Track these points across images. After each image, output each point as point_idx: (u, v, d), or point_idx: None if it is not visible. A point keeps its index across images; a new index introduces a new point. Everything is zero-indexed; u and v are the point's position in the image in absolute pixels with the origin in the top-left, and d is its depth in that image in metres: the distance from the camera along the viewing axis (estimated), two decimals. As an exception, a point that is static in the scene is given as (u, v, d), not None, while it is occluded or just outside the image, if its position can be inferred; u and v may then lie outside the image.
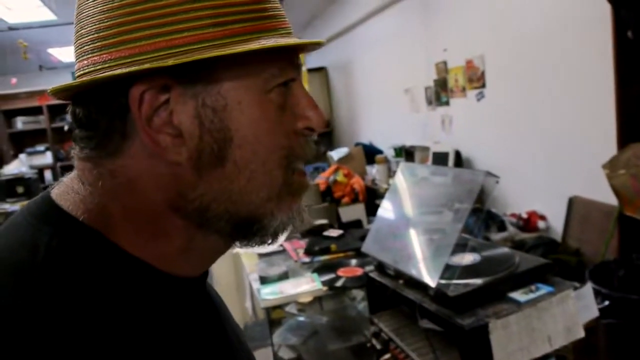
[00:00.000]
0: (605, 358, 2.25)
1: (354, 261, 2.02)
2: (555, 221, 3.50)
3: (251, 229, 0.49)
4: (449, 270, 1.34)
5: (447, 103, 4.70)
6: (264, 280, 1.96)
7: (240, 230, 0.49)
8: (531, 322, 1.23)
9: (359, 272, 1.87)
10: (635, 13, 2.39)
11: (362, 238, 2.52)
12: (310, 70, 7.34)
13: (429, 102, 5.02)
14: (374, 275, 1.60)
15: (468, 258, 1.47)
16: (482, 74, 4.11)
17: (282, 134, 0.48)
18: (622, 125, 2.67)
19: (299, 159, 0.50)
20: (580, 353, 1.34)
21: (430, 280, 1.31)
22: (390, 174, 5.29)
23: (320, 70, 8.30)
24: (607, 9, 2.59)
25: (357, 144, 6.53)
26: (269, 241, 0.52)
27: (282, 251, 2.53)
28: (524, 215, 3.67)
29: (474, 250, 1.52)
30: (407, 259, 1.48)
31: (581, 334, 1.29)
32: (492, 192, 1.33)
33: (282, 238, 0.57)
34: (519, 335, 1.21)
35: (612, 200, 2.75)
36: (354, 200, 4.63)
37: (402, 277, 1.47)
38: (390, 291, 1.49)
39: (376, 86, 6.40)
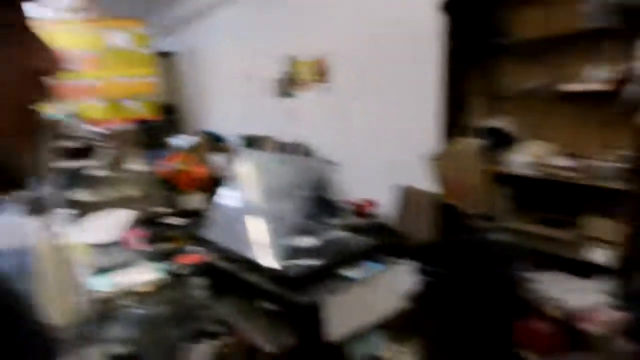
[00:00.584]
0: (422, 324, 2.53)
1: (195, 248, 1.99)
2: (388, 208, 3.82)
3: None
4: (289, 253, 1.40)
5: (294, 95, 4.83)
6: (98, 272, 1.84)
7: None
8: (363, 296, 1.35)
9: (199, 258, 1.85)
10: (462, 22, 2.69)
11: (205, 225, 2.50)
12: (159, 55, 6.97)
13: (277, 94, 5.11)
14: (215, 261, 1.60)
15: (307, 241, 1.55)
16: (328, 69, 4.31)
17: (8, 72, 0.48)
18: (445, 122, 3.00)
19: (29, 99, 0.50)
20: (402, 321, 1.49)
21: (272, 262, 1.36)
22: (236, 162, 5.28)
23: (168, 55, 7.94)
24: (437, 17, 2.89)
25: (203, 132, 6.39)
26: (7, 187, 0.51)
27: (120, 240, 2.39)
28: (358, 202, 3.95)
29: (313, 233, 1.61)
30: (248, 244, 1.51)
31: (405, 304, 1.44)
32: (332, 179, 1.41)
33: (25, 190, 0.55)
34: (352, 309, 1.32)
35: (435, 188, 3.09)
36: (198, 188, 4.54)
37: (243, 261, 1.49)
38: (232, 276, 1.50)
39: (225, 75, 6.33)
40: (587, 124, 2.56)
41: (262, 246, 1.44)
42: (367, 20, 3.86)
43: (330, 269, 1.38)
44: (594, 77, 2.41)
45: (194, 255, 1.87)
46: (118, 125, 5.88)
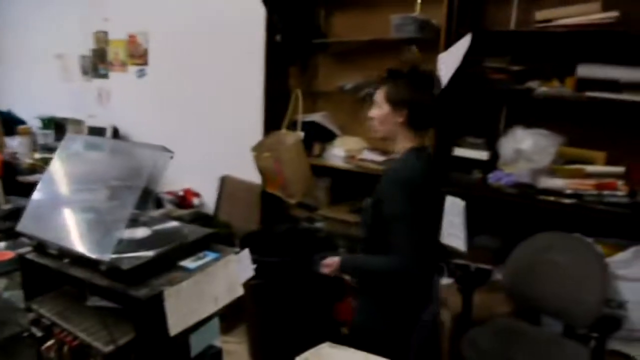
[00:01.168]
0: (253, 311, 2.62)
1: (1, 244, 1.76)
2: (208, 198, 3.82)
3: None
4: (121, 245, 1.33)
5: (105, 76, 4.49)
6: None
7: None
8: (201, 286, 1.35)
9: (9, 255, 1.64)
10: (284, 20, 2.80)
11: (9, 217, 2.20)
12: None
13: (85, 73, 4.68)
14: (31, 256, 1.44)
15: (139, 232, 1.49)
16: (145, 51, 4.09)
17: None
18: (267, 114, 3.11)
19: None
20: (234, 309, 1.53)
21: (102, 255, 1.28)
22: (36, 147, 4.71)
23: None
24: (262, 12, 2.96)
25: (-7, 111, 5.54)
26: None
27: None
28: (180, 193, 3.87)
29: (144, 224, 1.55)
30: (73, 236, 1.39)
31: (241, 291, 1.48)
32: (166, 168, 1.38)
33: None
34: (190, 299, 1.31)
35: (255, 179, 3.18)
36: (-12, 176, 3.95)
37: (68, 256, 1.37)
38: (53, 272, 1.37)
39: (22, 47, 5.53)
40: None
41: (90, 238, 1.35)
42: (191, 4, 3.77)
43: (165, 259, 1.35)
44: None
45: (3, 252, 1.65)
46: None
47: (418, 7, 2.68)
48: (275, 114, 3.10)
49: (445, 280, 2.54)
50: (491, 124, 2.58)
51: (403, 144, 1.80)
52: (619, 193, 2.14)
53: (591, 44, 2.20)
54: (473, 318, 2.24)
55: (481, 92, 2.51)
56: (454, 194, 2.46)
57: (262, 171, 2.99)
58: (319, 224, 2.93)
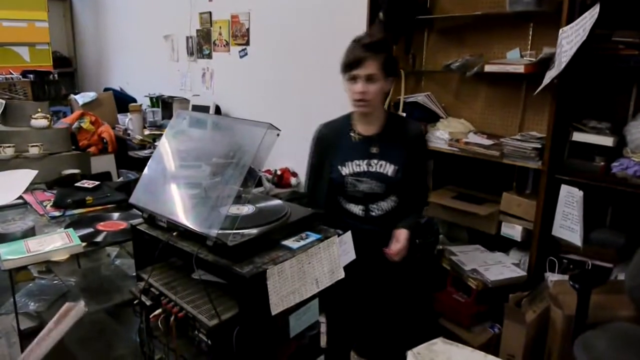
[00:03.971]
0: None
1: (115, 214, 1.85)
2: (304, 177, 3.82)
3: None
4: (226, 221, 1.33)
5: (209, 56, 4.63)
6: (3, 239, 1.64)
7: None
8: (302, 266, 1.32)
9: (123, 225, 1.72)
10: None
11: (121, 189, 2.33)
12: (50, -2, 6.32)
13: (190, 53, 4.86)
14: (143, 227, 1.49)
15: (243, 209, 1.49)
16: (247, 31, 4.15)
17: None
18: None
19: None
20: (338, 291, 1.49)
21: (209, 230, 1.28)
22: (146, 124, 4.99)
23: None
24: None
25: (107, 89, 5.96)
26: None
27: (23, 204, 2.15)
28: (278, 172, 3.91)
29: (248, 202, 1.54)
30: (183, 210, 1.42)
31: (342, 274, 1.44)
32: (272, 146, 1.36)
33: None
34: (292, 279, 1.29)
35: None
36: (102, 150, 4.25)
37: (177, 229, 1.40)
38: (164, 245, 1.41)
39: (132, 28, 5.88)
40: (505, 104, 2.70)
41: (198, 214, 1.36)
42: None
43: (269, 238, 1.33)
44: (515, 59, 2.53)
45: (115, 222, 1.74)
46: (5, 74, 5.30)
47: (537, -23, 2.45)
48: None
49: (557, 277, 2.35)
50: (619, 106, 2.31)
51: (381, 109, 1.93)
52: None
53: None
54: (588, 320, 2.04)
55: (608, 70, 2.25)
56: (571, 183, 2.26)
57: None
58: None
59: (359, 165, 1.90)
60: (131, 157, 4.38)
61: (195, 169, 1.59)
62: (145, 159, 3.83)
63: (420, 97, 2.88)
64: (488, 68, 2.47)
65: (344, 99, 3.35)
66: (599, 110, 2.35)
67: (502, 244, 2.61)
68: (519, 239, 2.48)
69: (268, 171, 3.91)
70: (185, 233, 1.37)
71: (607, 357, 1.79)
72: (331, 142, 1.96)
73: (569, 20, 2.17)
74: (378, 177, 1.89)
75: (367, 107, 1.84)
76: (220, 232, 1.28)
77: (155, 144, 4.26)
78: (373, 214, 1.94)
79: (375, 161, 1.89)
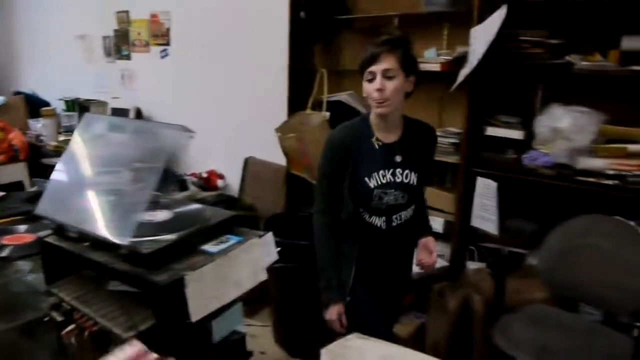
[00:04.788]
0: (275, 295, 2.57)
1: (22, 227, 1.73)
2: (233, 180, 3.77)
3: None
4: (141, 228, 1.28)
5: (128, 57, 4.45)
6: None
7: None
8: (223, 270, 1.29)
9: (30, 238, 1.61)
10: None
11: (29, 200, 2.18)
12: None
13: (108, 54, 4.65)
14: (51, 240, 1.41)
15: (160, 215, 1.44)
16: (167, 30, 4.03)
17: None
18: (292, 94, 3.03)
19: None
20: (258, 292, 1.47)
21: (122, 239, 1.23)
22: (61, 129, 4.73)
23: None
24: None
25: (17, 93, 5.58)
26: None
27: None
28: (204, 175, 3.83)
29: (165, 207, 1.50)
30: (93, 220, 1.35)
31: (264, 276, 1.42)
32: (186, 148, 1.32)
33: None
34: (212, 285, 1.26)
35: (281, 160, 3.12)
36: (13, 158, 3.99)
37: (88, 239, 1.33)
38: (73, 256, 1.33)
39: (44, 28, 5.52)
40: (423, 101, 2.78)
41: (110, 221, 1.30)
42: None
43: (186, 243, 1.30)
44: (433, 58, 2.61)
45: (21, 235, 1.62)
46: None
47: (449, -21, 2.54)
48: (300, 94, 3.02)
49: (476, 265, 2.46)
50: (527, 101, 2.44)
51: (399, 112, 1.77)
52: (665, 174, 2.01)
53: (636, 14, 2.05)
54: (506, 304, 2.15)
55: (516, 68, 2.37)
56: (487, 175, 2.37)
57: (286, 152, 2.92)
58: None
59: (384, 177, 1.74)
60: (45, 164, 4.13)
61: (108, 175, 1.52)
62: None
63: (344, 96, 2.92)
64: (406, 66, 2.53)
65: (269, 99, 3.35)
66: (509, 105, 2.48)
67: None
68: (440, 231, 2.56)
69: (194, 174, 3.82)
70: (97, 243, 1.31)
71: (524, 338, 1.89)
72: (351, 148, 1.75)
73: (480, 20, 2.27)
74: (403, 188, 1.76)
75: (386, 107, 1.66)
76: (134, 240, 1.23)
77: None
78: (394, 224, 1.81)
79: (400, 171, 1.75)
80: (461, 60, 2.42)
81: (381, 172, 1.73)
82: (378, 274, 1.83)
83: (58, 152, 4.23)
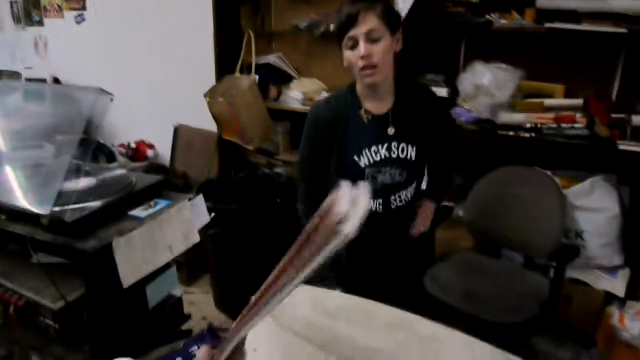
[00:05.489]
0: (213, 260, 2.56)
1: None
2: (163, 149, 3.66)
3: None
4: (63, 197, 1.23)
5: (40, 23, 4.15)
6: None
7: None
8: (153, 234, 1.27)
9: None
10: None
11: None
12: None
13: (17, 20, 4.32)
14: (-36, 214, 1.32)
15: (83, 182, 1.39)
16: (83, -7, 3.79)
17: None
18: (219, 58, 2.95)
19: None
20: (197, 259, 1.47)
21: (42, 209, 1.18)
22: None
23: None
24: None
25: None
26: None
27: None
28: (133, 145, 3.70)
29: (88, 174, 1.44)
30: (10, 191, 1.28)
31: (197, 238, 1.41)
32: (107, 113, 1.26)
33: None
34: (142, 249, 1.24)
35: (212, 127, 3.05)
36: None
37: (5, 212, 1.27)
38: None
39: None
40: (351, 62, 2.80)
41: (28, 192, 1.24)
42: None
43: (113, 209, 1.26)
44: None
45: None
46: None
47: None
48: (227, 58, 2.94)
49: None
50: (451, 59, 2.52)
51: (390, 78, 1.53)
52: (578, 125, 2.14)
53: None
54: (436, 254, 2.25)
55: (440, 26, 2.43)
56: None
57: (217, 117, 2.87)
58: (279, 169, 2.86)
59: (377, 153, 1.53)
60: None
61: (28, 149, 1.44)
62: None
63: (272, 58, 2.88)
64: (333, 27, 2.53)
65: (196, 64, 3.25)
66: (434, 64, 2.54)
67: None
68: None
69: (122, 145, 3.68)
70: (17, 214, 1.25)
71: (452, 284, 2.00)
72: (336, 124, 1.53)
73: (403, -21, 2.28)
74: (400, 164, 1.55)
75: (376, 75, 1.43)
76: (57, 209, 1.18)
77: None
78: (392, 206, 1.60)
79: (396, 144, 1.54)
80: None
81: (373, 148, 1.53)
82: (376, 273, 1.64)
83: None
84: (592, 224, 2.06)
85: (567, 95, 2.28)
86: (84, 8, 3.82)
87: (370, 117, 1.53)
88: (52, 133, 1.42)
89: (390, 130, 1.53)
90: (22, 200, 1.22)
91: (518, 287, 1.97)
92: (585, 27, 2.06)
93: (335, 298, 0.74)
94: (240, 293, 2.48)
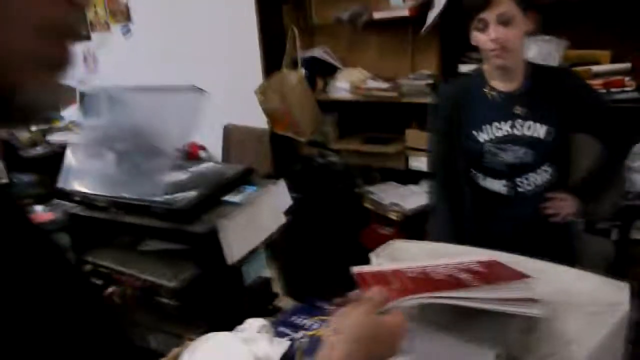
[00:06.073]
0: (281, 248, 2.69)
1: (38, 207, 1.78)
2: (215, 150, 3.81)
3: None
4: (168, 188, 1.37)
5: (88, 37, 4.36)
6: None
7: None
8: (249, 216, 1.40)
9: (50, 215, 1.67)
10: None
11: (30, 186, 2.22)
12: None
13: (67, 38, 4.55)
14: (78, 211, 1.47)
15: (179, 175, 1.52)
16: (126, 6, 3.97)
17: None
18: (266, 56, 3.08)
19: (57, 27, 0.43)
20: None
21: (155, 198, 1.31)
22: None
23: None
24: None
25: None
26: (19, 121, 0.46)
27: None
28: (185, 148, 3.86)
29: (181, 168, 1.58)
30: (120, 185, 1.42)
31: (284, 219, 1.53)
32: (201, 109, 1.39)
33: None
34: (242, 229, 1.36)
35: (260, 123, 3.19)
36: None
37: (118, 206, 1.41)
38: (103, 225, 1.41)
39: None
40: (396, 48, 2.88)
41: (137, 187, 1.38)
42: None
43: (211, 196, 1.39)
44: (399, 4, 2.70)
45: (42, 214, 1.68)
46: None
47: None
48: (274, 55, 3.06)
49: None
50: (494, 36, 2.57)
51: (521, 57, 1.50)
52: (628, 89, 2.18)
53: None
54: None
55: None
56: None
57: (268, 113, 3.00)
58: (333, 159, 2.97)
59: (499, 129, 1.50)
60: (23, 157, 4.08)
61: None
62: (41, 158, 3.61)
63: (317, 52, 2.99)
64: (377, 15, 2.63)
65: (241, 63, 3.38)
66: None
67: (413, 177, 2.83)
68: (426, 170, 2.71)
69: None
70: (129, 207, 1.39)
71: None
72: (460, 102, 1.54)
73: (442, -37, 2.35)
74: (526, 142, 1.49)
75: (506, 58, 1.42)
76: (164, 198, 1.32)
77: (47, 139, 3.99)
78: (522, 190, 1.52)
79: (521, 122, 1.49)
80: (428, 4, 2.52)
81: (495, 124, 1.49)
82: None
83: (33, 143, 4.18)
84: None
85: (614, 60, 2.31)
86: (129, 20, 4.00)
87: (496, 94, 1.52)
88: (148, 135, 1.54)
89: (517, 109, 1.50)
90: (134, 194, 1.36)
91: (583, 252, 2.02)
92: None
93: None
94: (306, 278, 2.59)
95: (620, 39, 2.30)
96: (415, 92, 2.60)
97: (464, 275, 0.61)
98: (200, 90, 1.36)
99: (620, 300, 0.67)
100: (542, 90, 1.50)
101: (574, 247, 1.67)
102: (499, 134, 1.49)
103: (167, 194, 1.35)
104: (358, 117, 3.08)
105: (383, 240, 2.58)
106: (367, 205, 2.72)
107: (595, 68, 2.28)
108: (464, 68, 2.55)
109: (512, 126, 1.49)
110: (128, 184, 1.40)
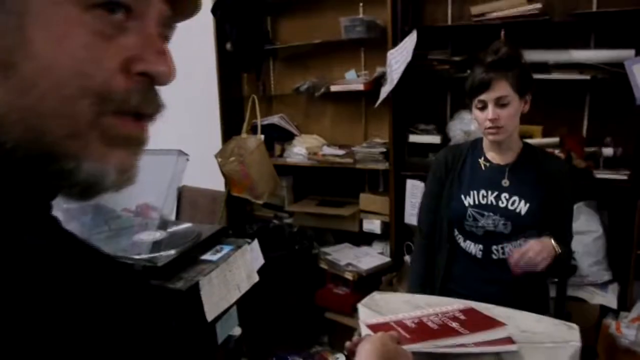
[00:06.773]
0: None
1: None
2: (166, 210, 3.81)
3: (47, 167, 0.40)
4: (148, 247, 1.42)
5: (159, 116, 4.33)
6: None
7: (35, 163, 0.40)
8: (225, 275, 1.46)
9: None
10: (235, 29, 2.91)
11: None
12: None
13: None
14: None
15: (157, 234, 1.57)
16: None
17: (96, 65, 0.40)
18: (225, 121, 3.21)
19: (116, 102, 0.42)
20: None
21: (136, 257, 1.36)
22: None
23: None
24: (210, 21, 3.05)
25: None
26: (79, 194, 0.44)
27: None
28: (137, 209, 3.84)
29: (158, 228, 1.63)
30: (101, 246, 1.46)
31: (257, 278, 1.60)
32: (183, 172, 1.48)
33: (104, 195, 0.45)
34: (219, 288, 1.42)
35: (214, 185, 3.26)
36: None
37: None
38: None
39: None
40: (350, 117, 3.10)
41: (116, 246, 1.42)
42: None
43: (190, 254, 1.45)
44: (353, 79, 2.93)
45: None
46: None
47: (361, 10, 2.90)
48: (232, 120, 3.20)
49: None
50: (439, 110, 2.84)
51: (516, 135, 1.64)
52: (557, 160, 2.45)
53: (521, 32, 2.49)
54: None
55: (428, 82, 2.75)
56: (414, 177, 2.71)
57: (227, 176, 3.08)
58: (288, 220, 3.07)
59: (485, 197, 1.62)
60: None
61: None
62: None
63: (276, 119, 3.15)
64: (334, 88, 2.84)
65: (199, 128, 3.47)
66: (425, 114, 2.85)
67: (366, 239, 2.97)
68: (379, 232, 2.86)
69: (126, 210, 3.82)
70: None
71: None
72: (454, 167, 1.69)
73: (393, 44, 2.61)
74: (506, 214, 1.59)
75: (500, 135, 1.55)
76: (144, 257, 1.37)
77: None
78: (494, 257, 1.61)
79: (507, 196, 1.60)
80: (380, 79, 2.76)
81: (482, 192, 1.62)
82: None
83: None
84: (581, 245, 2.32)
85: (545, 134, 2.60)
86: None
87: (489, 165, 1.66)
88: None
89: (505, 182, 1.62)
90: (118, 252, 1.40)
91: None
92: (554, 76, 2.41)
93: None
94: (264, 337, 2.60)
95: (550, 116, 2.60)
96: (368, 159, 2.79)
97: (454, 324, 0.73)
98: (184, 153, 1.45)
99: (572, 338, 0.81)
100: (530, 168, 1.63)
101: (547, 303, 1.79)
102: (483, 201, 1.62)
103: (151, 251, 1.40)
104: (313, 181, 3.22)
105: (337, 299, 2.68)
106: (323, 265, 2.81)
107: (530, 141, 2.54)
108: (413, 138, 2.78)
109: (497, 197, 1.61)
110: (106, 243, 1.44)
